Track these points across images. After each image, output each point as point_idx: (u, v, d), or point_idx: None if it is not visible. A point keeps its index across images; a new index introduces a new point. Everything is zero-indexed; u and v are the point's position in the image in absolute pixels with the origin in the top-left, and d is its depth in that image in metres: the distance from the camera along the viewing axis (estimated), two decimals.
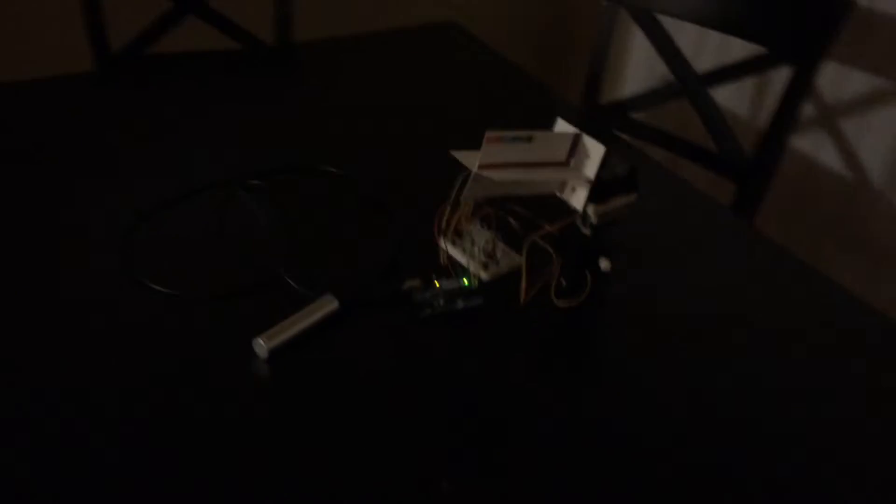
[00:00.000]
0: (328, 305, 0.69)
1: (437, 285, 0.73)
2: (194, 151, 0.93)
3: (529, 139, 0.64)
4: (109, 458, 0.56)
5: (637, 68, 1.85)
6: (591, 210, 0.69)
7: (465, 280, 0.73)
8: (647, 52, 1.81)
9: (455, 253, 0.76)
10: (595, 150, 0.66)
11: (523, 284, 0.72)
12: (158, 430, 0.59)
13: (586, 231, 0.72)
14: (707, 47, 1.62)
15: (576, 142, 0.67)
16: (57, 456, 0.56)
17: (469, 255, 0.74)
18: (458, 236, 0.76)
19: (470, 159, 0.62)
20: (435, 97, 1.10)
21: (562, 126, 0.68)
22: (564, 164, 0.67)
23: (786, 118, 1.05)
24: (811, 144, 1.49)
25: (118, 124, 0.97)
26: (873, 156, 1.40)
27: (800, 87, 1.02)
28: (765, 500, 0.57)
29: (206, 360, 0.65)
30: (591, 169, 0.66)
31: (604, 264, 0.74)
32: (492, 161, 0.62)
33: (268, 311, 0.69)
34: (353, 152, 0.95)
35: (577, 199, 0.68)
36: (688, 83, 1.15)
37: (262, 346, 0.65)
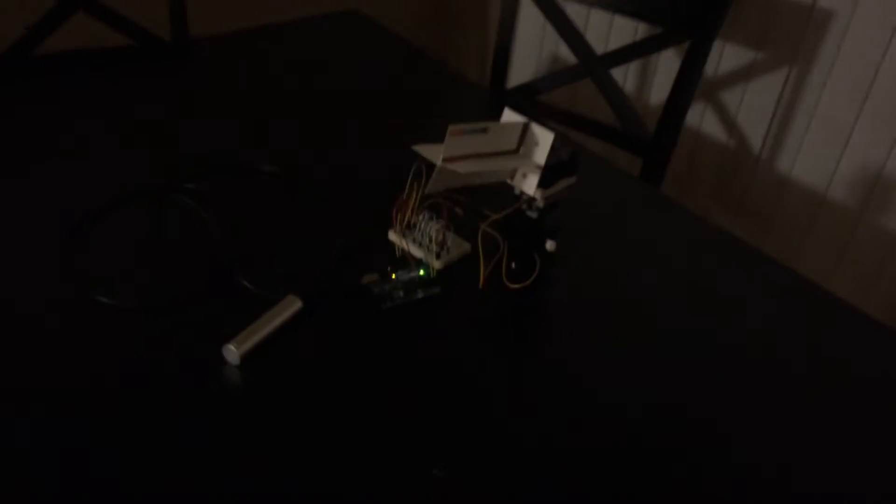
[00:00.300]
0: (293, 305, 0.69)
1: (395, 277, 0.74)
2: (109, 158, 0.89)
3: (485, 130, 0.66)
4: (84, 486, 0.55)
5: (524, 49, 1.91)
6: (538, 194, 0.72)
7: (421, 271, 0.75)
8: (532, 35, 1.86)
9: (408, 245, 0.77)
10: (544, 138, 0.69)
11: (481, 270, 0.74)
12: (135, 454, 0.57)
13: (533, 215, 0.75)
14: (590, 29, 1.69)
15: (525, 130, 0.69)
16: (20, 480, 0.54)
17: (423, 246, 0.76)
18: (408, 228, 0.78)
19: (433, 153, 0.63)
20: (346, 86, 1.10)
21: (509, 116, 0.71)
22: (515, 151, 0.70)
23: (685, 92, 1.12)
24: (695, 116, 1.59)
25: (16, 132, 0.91)
26: (750, 125, 1.51)
27: (698, 62, 1.09)
28: (705, 463, 0.63)
29: (176, 372, 0.64)
30: (541, 155, 0.69)
31: (549, 245, 0.77)
32: (453, 154, 0.64)
33: (226, 316, 0.68)
34: (278, 147, 0.94)
35: (529, 184, 0.71)
36: (590, 65, 1.20)
37: (232, 351, 0.64)
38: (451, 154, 0.64)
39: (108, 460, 0.56)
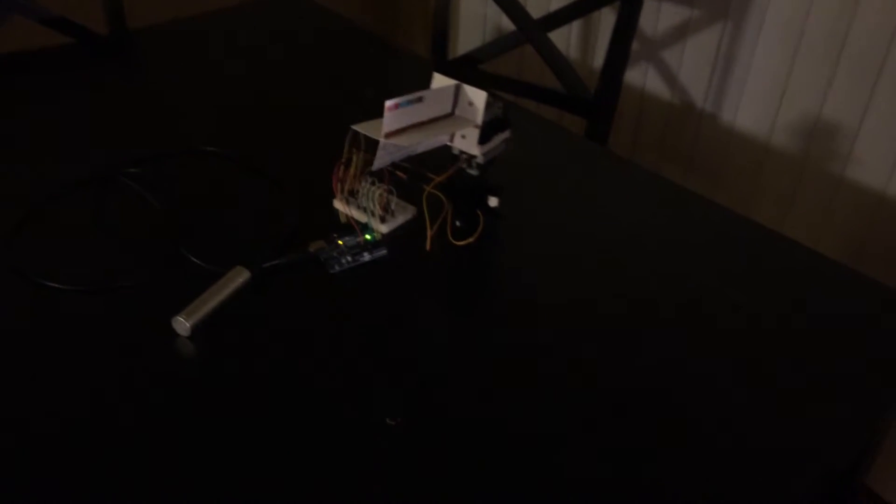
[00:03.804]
0: (240, 276, 0.70)
1: (341, 243, 0.75)
2: (52, 151, 0.89)
3: (420, 99, 0.67)
4: (48, 479, 0.56)
5: (468, 23, 1.92)
6: (478, 151, 0.74)
7: (367, 235, 0.76)
8: (475, 8, 1.87)
9: (352, 211, 0.78)
10: (477, 97, 0.70)
11: (428, 230, 0.76)
12: (97, 435, 0.58)
13: (474, 172, 0.77)
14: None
15: (457, 92, 0.71)
16: None
17: (367, 211, 0.78)
18: (351, 195, 0.79)
19: (374, 129, 0.64)
20: (288, 66, 1.11)
21: (439, 80, 0.72)
22: (451, 114, 0.71)
23: (621, 50, 1.14)
24: (639, 77, 1.61)
25: None
26: (692, 81, 1.53)
27: (630, 19, 1.12)
28: (654, 406, 0.65)
29: (128, 349, 0.65)
30: (477, 115, 0.71)
31: (492, 201, 0.79)
32: (394, 128, 0.65)
33: (177, 292, 0.69)
34: (219, 130, 0.95)
35: (469, 144, 0.72)
36: (529, 30, 1.22)
37: (182, 323, 0.65)
38: (391, 128, 0.65)
39: (68, 440, 0.57)
